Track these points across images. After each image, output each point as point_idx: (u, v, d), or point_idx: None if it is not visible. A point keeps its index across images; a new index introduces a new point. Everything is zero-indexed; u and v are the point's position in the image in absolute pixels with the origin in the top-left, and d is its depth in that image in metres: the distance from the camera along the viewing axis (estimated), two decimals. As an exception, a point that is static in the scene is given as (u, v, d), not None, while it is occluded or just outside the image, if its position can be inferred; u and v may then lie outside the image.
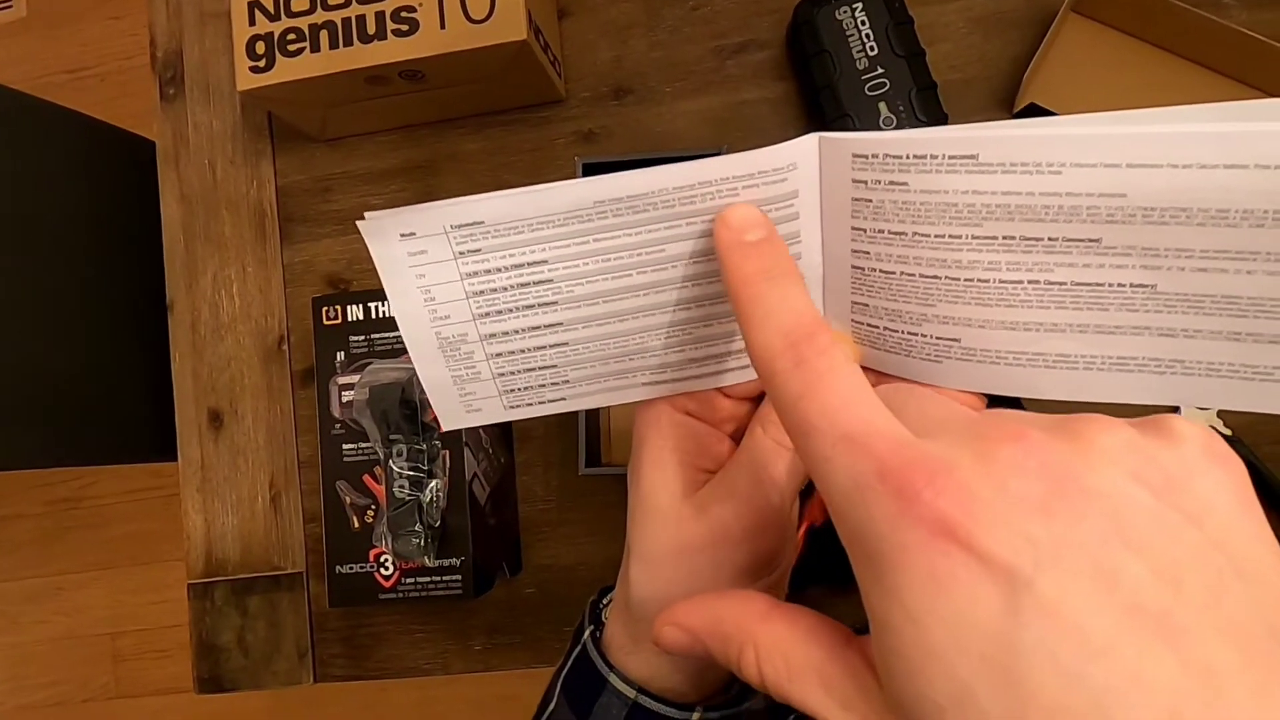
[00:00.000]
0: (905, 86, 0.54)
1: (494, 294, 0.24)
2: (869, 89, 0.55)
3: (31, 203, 0.82)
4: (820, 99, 0.56)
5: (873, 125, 0.55)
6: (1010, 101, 0.58)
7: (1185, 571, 0.15)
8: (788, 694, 0.20)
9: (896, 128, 0.54)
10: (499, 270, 0.24)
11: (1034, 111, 0.56)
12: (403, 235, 0.23)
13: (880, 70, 0.55)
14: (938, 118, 0.54)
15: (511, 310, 0.25)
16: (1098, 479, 0.16)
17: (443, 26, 0.54)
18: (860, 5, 0.55)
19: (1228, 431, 0.52)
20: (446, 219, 0.23)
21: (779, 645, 0.20)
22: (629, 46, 0.64)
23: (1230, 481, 0.16)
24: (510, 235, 0.23)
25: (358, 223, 0.23)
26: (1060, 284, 0.21)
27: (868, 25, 0.55)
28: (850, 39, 0.55)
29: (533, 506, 0.62)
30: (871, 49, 0.55)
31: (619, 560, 0.68)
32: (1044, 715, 0.14)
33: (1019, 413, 0.18)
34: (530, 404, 0.28)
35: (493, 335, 0.25)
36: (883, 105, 0.55)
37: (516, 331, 0.25)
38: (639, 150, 0.63)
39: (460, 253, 0.24)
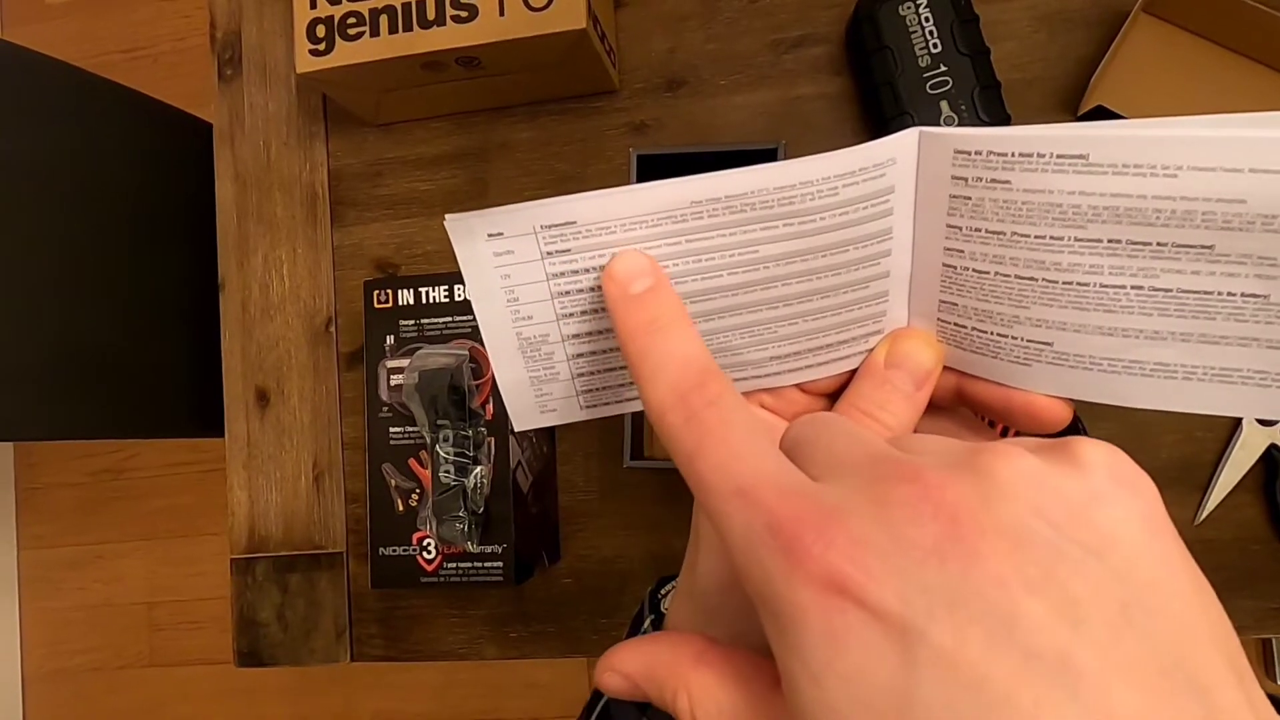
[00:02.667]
0: (968, 85, 0.53)
1: (580, 294, 0.24)
2: (930, 87, 0.54)
3: (84, 177, 0.83)
4: (879, 96, 0.56)
5: (933, 124, 0.54)
6: (1074, 103, 0.57)
7: (1086, 609, 0.14)
8: None
9: (958, 127, 0.53)
10: (587, 270, 0.24)
11: (1102, 114, 0.55)
12: (490, 235, 0.23)
13: (943, 68, 0.54)
14: (1001, 118, 0.53)
15: (597, 310, 0.25)
16: (995, 517, 0.15)
17: (502, 14, 0.54)
18: (925, 1, 0.54)
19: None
20: (537, 219, 0.23)
21: (709, 690, 0.20)
22: (684, 38, 0.63)
23: (1138, 506, 0.16)
24: (602, 235, 0.23)
25: (446, 220, 0.23)
26: (1165, 290, 0.20)
27: (931, 22, 0.54)
28: (913, 35, 0.54)
29: (572, 497, 0.62)
30: (935, 46, 0.54)
31: (658, 554, 0.67)
32: None
33: (923, 445, 0.18)
34: (608, 403, 0.27)
35: (576, 335, 0.25)
36: (944, 104, 0.54)
37: (600, 332, 0.25)
38: (691, 143, 0.63)
39: (548, 252, 0.23)
